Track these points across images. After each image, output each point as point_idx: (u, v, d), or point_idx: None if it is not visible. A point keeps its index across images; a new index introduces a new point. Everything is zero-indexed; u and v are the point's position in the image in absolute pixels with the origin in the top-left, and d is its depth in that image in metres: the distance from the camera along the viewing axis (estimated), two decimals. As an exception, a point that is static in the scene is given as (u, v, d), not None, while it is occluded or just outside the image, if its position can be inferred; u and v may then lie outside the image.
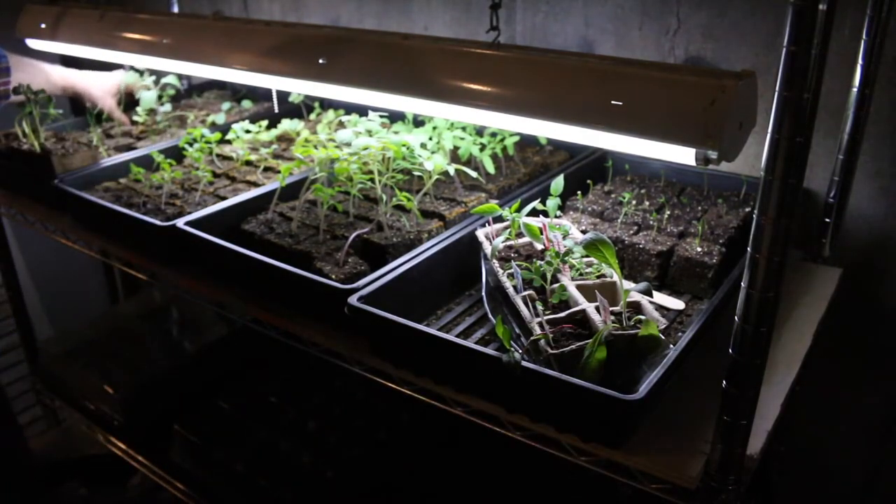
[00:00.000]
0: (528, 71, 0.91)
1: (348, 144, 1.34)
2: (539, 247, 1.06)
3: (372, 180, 1.27)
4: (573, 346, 0.84)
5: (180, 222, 1.22)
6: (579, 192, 1.30)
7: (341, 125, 1.58)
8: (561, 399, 0.83)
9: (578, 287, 0.96)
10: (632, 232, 1.18)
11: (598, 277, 0.99)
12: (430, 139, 1.41)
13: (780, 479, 1.46)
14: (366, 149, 1.27)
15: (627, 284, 0.96)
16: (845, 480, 1.47)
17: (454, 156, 1.39)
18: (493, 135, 1.45)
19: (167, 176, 1.43)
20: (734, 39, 1.29)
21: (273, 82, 1.29)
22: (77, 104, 2.01)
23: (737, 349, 0.73)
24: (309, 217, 1.27)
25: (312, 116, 1.83)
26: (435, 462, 1.52)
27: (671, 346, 0.89)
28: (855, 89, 1.12)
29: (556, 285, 0.97)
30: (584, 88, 0.85)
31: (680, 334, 0.96)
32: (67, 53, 1.63)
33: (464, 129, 1.46)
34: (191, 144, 1.58)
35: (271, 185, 1.37)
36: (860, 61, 1.10)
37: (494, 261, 1.03)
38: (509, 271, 1.00)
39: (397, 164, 1.29)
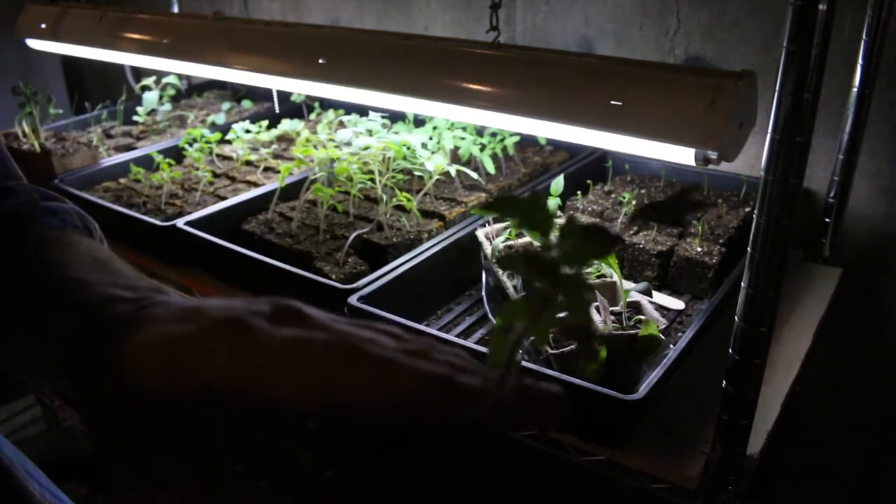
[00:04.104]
0: (528, 71, 0.91)
1: (348, 144, 1.35)
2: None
3: (372, 180, 1.27)
4: (573, 346, 0.84)
5: (180, 222, 1.22)
6: (579, 192, 1.30)
7: (341, 125, 1.58)
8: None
9: (578, 287, 0.96)
10: (632, 232, 1.18)
11: (598, 277, 0.99)
12: (430, 139, 1.41)
13: (780, 479, 1.46)
14: (366, 149, 1.27)
15: (627, 284, 0.96)
16: (845, 480, 1.47)
17: (454, 156, 1.39)
18: (493, 135, 1.45)
19: (167, 176, 1.43)
20: (734, 39, 1.29)
21: (273, 82, 1.29)
22: (77, 104, 2.01)
23: (737, 349, 0.73)
24: (309, 217, 1.27)
25: (312, 116, 1.83)
26: (435, 462, 1.52)
27: (671, 346, 0.89)
28: (855, 89, 1.12)
29: (556, 285, 0.97)
30: (584, 88, 0.85)
31: (680, 334, 0.96)
32: (67, 53, 1.63)
33: (464, 129, 1.46)
34: (191, 144, 1.58)
35: (271, 185, 1.37)
36: (860, 61, 1.10)
37: (494, 261, 1.03)
38: (509, 271, 1.00)
39: (397, 164, 1.29)
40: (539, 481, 1.43)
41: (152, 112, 1.87)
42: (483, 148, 1.41)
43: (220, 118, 1.81)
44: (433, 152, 1.33)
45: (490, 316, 1.07)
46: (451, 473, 1.49)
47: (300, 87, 1.23)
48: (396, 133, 1.46)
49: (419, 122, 1.54)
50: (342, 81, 1.09)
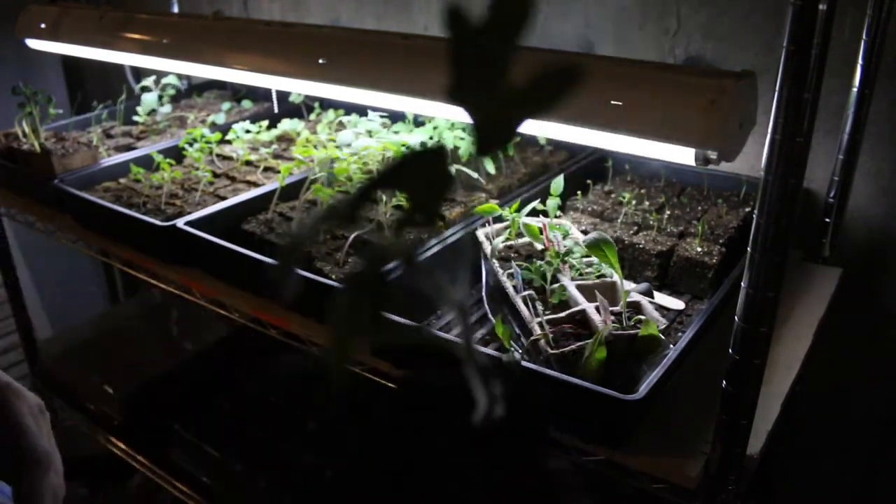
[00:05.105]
0: (527, 71, 0.91)
1: (348, 145, 1.35)
2: (539, 247, 1.06)
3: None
4: (573, 346, 0.84)
5: (180, 222, 1.22)
6: (579, 192, 1.30)
7: (341, 125, 1.58)
8: (561, 399, 0.83)
9: (578, 287, 0.96)
10: (632, 232, 1.18)
11: (598, 277, 0.99)
12: (430, 139, 1.41)
13: (780, 479, 1.46)
14: (366, 149, 1.27)
15: (627, 284, 0.96)
16: (845, 481, 1.47)
17: (454, 156, 1.39)
18: (493, 135, 1.45)
19: (167, 176, 1.43)
20: (734, 39, 1.29)
21: (273, 82, 1.29)
22: (78, 104, 2.01)
23: (737, 349, 0.73)
24: (309, 217, 1.27)
25: (312, 116, 1.83)
26: (435, 461, 1.52)
27: (671, 346, 0.89)
28: (855, 89, 1.12)
29: (556, 285, 0.97)
30: (584, 88, 0.85)
31: (680, 334, 0.96)
32: (67, 53, 1.63)
33: (464, 129, 1.46)
34: (191, 144, 1.58)
35: (271, 185, 1.37)
36: (860, 61, 1.10)
37: (494, 261, 1.03)
38: (509, 271, 1.00)
39: (397, 164, 1.28)
40: (540, 481, 1.43)
41: (152, 112, 1.87)
42: (483, 148, 1.41)
43: (220, 118, 1.81)
44: (433, 152, 1.33)
45: (490, 316, 1.07)
46: (452, 472, 1.49)
47: (300, 87, 1.23)
48: (396, 133, 1.46)
49: (419, 122, 1.54)
50: (342, 81, 1.09)
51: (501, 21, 0.25)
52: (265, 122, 1.72)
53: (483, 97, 0.26)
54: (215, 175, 1.51)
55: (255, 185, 1.44)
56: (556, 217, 1.14)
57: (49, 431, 0.61)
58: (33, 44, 1.67)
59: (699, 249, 1.11)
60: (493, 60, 0.26)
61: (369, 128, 1.44)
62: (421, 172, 0.27)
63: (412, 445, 0.36)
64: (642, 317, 0.90)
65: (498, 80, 0.26)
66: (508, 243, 1.08)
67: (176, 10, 2.12)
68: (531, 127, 0.94)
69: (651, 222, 1.20)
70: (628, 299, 0.92)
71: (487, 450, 0.37)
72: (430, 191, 0.27)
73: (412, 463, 0.36)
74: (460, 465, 0.37)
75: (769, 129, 0.63)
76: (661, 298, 1.09)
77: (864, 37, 1.09)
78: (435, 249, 1.10)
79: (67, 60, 2.48)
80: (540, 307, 0.94)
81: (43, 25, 1.59)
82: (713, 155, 0.77)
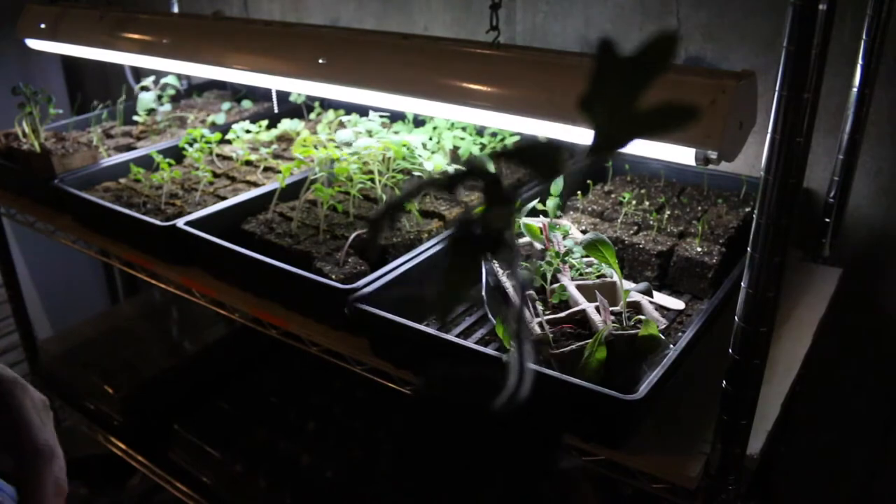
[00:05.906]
0: (528, 71, 0.91)
1: (348, 144, 1.35)
2: (539, 247, 1.06)
3: (372, 180, 1.27)
4: (573, 346, 0.84)
5: (180, 222, 1.22)
6: (579, 192, 1.30)
7: (341, 125, 1.58)
8: (561, 399, 0.83)
9: (578, 287, 0.96)
10: (632, 232, 1.18)
11: (598, 277, 0.99)
12: (430, 139, 1.41)
13: (780, 479, 1.46)
14: (366, 149, 1.27)
15: (627, 284, 0.96)
16: (845, 480, 1.47)
17: (454, 156, 1.39)
18: (493, 135, 1.45)
19: (167, 176, 1.43)
20: (734, 39, 1.29)
21: (273, 82, 1.29)
22: (79, 104, 2.01)
23: (737, 349, 0.73)
24: (309, 217, 1.27)
25: (312, 116, 1.83)
26: (435, 461, 1.52)
27: (671, 346, 0.89)
28: (855, 89, 1.12)
29: (556, 285, 0.98)
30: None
31: (680, 334, 0.96)
32: (67, 53, 1.63)
33: (464, 129, 1.46)
34: (191, 144, 1.58)
35: (271, 185, 1.37)
36: (860, 61, 1.10)
37: (494, 261, 1.03)
38: (509, 271, 1.00)
39: (397, 164, 1.29)
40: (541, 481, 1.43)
41: (152, 112, 1.87)
42: (483, 148, 1.41)
43: (220, 118, 1.81)
44: (433, 152, 1.33)
45: (490, 316, 1.07)
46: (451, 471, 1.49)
47: (300, 87, 1.23)
48: (396, 133, 1.46)
49: (419, 122, 1.54)
50: (342, 81, 1.09)
51: (645, 59, 0.30)
52: (265, 122, 1.72)
53: (607, 114, 0.31)
54: (215, 175, 1.51)
55: (255, 185, 1.44)
56: (556, 217, 1.14)
57: (52, 429, 0.63)
58: (33, 44, 1.67)
59: (699, 249, 1.11)
60: (627, 87, 0.31)
61: (369, 128, 1.44)
62: (537, 157, 0.33)
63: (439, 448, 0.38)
64: (642, 317, 0.90)
65: (624, 103, 0.31)
66: (508, 243, 1.08)
67: (176, 10, 2.12)
68: (531, 127, 0.94)
69: (651, 222, 1.20)
70: (628, 299, 0.92)
71: (503, 451, 0.38)
72: (542, 170, 0.33)
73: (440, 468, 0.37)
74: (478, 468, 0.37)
75: (769, 129, 0.63)
76: (661, 298, 1.09)
77: (864, 37, 1.09)
78: (437, 248, 1.11)
79: (67, 60, 2.48)
80: (540, 307, 0.94)
81: (43, 25, 1.59)
82: (713, 155, 0.77)
